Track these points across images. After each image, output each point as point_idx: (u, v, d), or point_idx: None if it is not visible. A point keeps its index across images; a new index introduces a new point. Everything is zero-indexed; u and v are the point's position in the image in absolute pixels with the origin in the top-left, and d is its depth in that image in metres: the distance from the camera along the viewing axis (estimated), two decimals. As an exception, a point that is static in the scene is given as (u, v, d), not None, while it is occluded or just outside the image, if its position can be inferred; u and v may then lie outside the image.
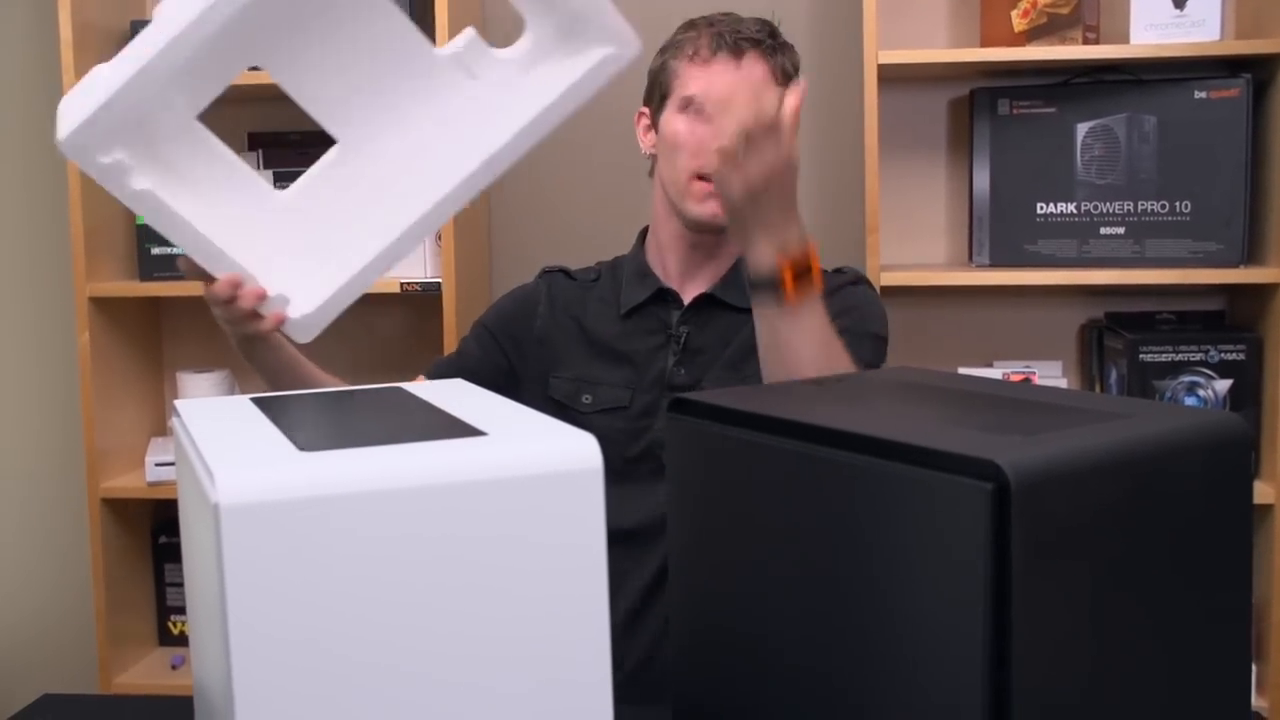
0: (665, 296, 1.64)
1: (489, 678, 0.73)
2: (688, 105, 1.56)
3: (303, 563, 0.69)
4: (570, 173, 2.53)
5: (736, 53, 1.55)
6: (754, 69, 1.55)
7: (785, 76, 1.57)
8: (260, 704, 0.69)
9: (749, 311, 1.52)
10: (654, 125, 1.63)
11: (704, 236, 1.61)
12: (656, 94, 1.63)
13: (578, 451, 0.75)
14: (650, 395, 1.59)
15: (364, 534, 0.70)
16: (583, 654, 0.75)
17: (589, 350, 1.65)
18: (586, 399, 1.63)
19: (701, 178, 1.54)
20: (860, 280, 1.69)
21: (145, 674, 2.44)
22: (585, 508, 0.75)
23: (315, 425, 0.81)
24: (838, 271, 1.69)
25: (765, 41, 1.56)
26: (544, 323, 1.68)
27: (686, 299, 1.63)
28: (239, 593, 0.68)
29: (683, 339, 1.61)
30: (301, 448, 0.74)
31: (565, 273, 1.73)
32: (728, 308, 1.61)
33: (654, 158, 1.65)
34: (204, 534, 0.73)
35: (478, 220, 2.46)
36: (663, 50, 1.63)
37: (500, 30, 2.52)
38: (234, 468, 0.69)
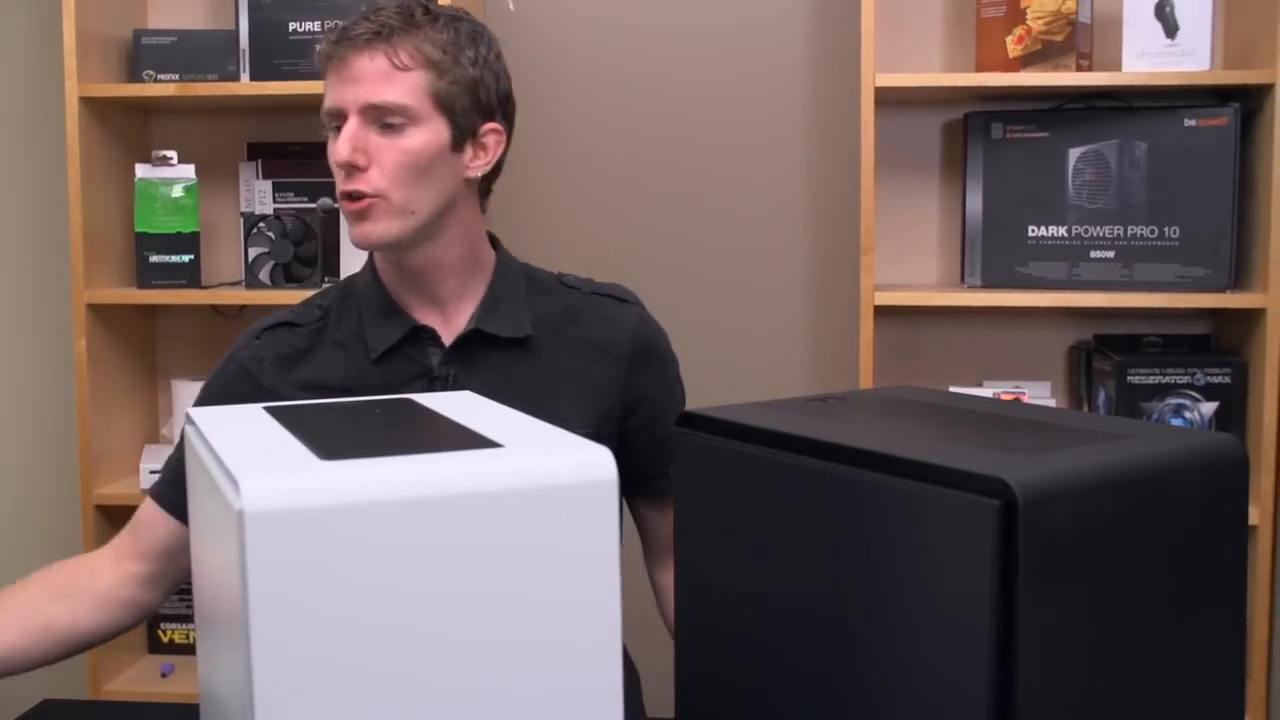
0: (420, 334, 1.46)
1: (503, 683, 0.75)
2: (329, 124, 1.42)
3: (324, 570, 0.70)
4: (564, 183, 2.55)
5: (342, 55, 1.38)
6: (363, 65, 1.37)
7: (418, 59, 1.38)
8: (280, 710, 0.70)
9: (516, 341, 1.45)
10: None
11: (395, 256, 1.44)
12: None
13: (592, 464, 0.77)
14: None
15: (384, 542, 0.72)
16: (594, 661, 0.77)
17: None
18: None
19: (342, 195, 1.40)
20: (651, 321, 1.55)
21: (135, 681, 2.44)
22: (599, 518, 0.76)
23: (334, 435, 0.83)
24: (615, 299, 1.53)
25: (388, 27, 1.38)
26: (269, 396, 1.46)
27: (446, 335, 1.46)
28: (261, 600, 0.69)
29: (449, 381, 1.45)
30: (323, 457, 0.75)
31: (286, 324, 1.50)
32: (491, 340, 1.45)
33: None
34: (224, 541, 0.74)
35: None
36: None
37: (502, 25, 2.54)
38: (258, 476, 0.71)
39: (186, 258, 2.38)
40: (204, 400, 1.50)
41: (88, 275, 2.34)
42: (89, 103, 2.33)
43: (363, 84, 1.37)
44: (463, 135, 1.42)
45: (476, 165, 1.44)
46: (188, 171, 2.38)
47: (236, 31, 2.37)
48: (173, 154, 2.38)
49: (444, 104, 1.39)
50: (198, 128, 2.57)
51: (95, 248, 2.37)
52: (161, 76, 2.39)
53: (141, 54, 2.39)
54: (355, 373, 1.45)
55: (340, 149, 1.37)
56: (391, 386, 1.44)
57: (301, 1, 2.32)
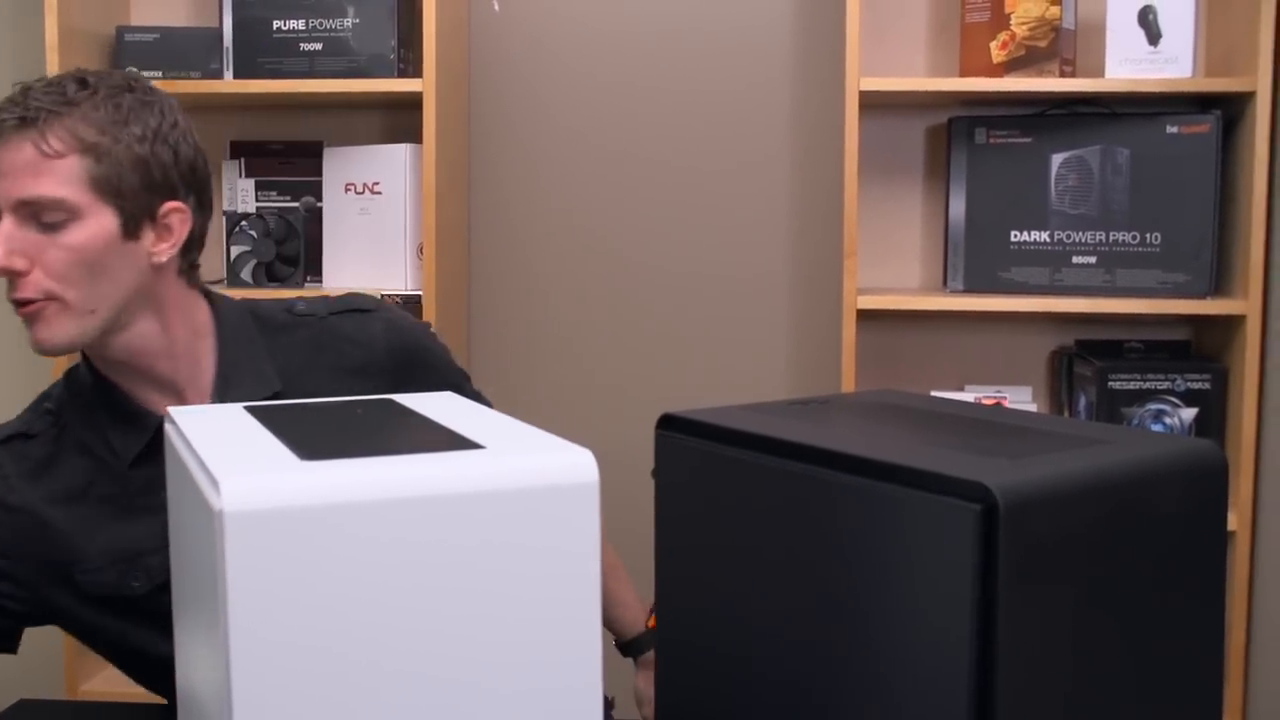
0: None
1: (483, 684, 0.75)
2: None
3: (304, 571, 0.70)
4: (549, 186, 2.55)
5: None
6: (9, 157, 1.22)
7: (73, 143, 1.22)
8: (258, 710, 0.70)
9: (270, 400, 1.30)
10: None
11: (96, 353, 1.30)
12: None
13: (574, 465, 0.77)
14: None
15: (364, 542, 0.71)
16: (575, 662, 0.77)
17: (107, 521, 1.30)
18: (137, 581, 1.29)
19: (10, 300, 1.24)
20: (401, 321, 1.43)
21: (111, 682, 2.43)
22: (580, 520, 0.76)
23: (314, 435, 0.83)
24: (355, 311, 1.41)
25: (36, 109, 1.21)
26: (22, 514, 1.30)
27: None
28: (240, 599, 0.69)
29: None
30: (303, 457, 0.75)
31: (20, 435, 1.34)
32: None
33: None
34: (202, 541, 0.74)
35: (458, 232, 2.47)
36: None
37: (487, 26, 2.54)
38: (238, 476, 0.70)
39: (168, 256, 2.37)
40: None
41: (68, 273, 2.32)
42: (71, 99, 2.31)
43: (12, 178, 1.21)
44: (136, 221, 1.26)
45: (162, 249, 1.28)
46: (170, 169, 2.37)
47: (220, 29, 2.36)
48: (155, 151, 2.37)
49: (107, 191, 1.23)
50: (180, 125, 2.55)
51: (76, 245, 2.35)
52: (144, 73, 2.38)
53: (124, 51, 2.38)
54: (111, 477, 1.31)
55: None
56: (152, 485, 1.31)
57: (286, 0, 2.32)
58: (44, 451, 1.33)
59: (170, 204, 1.28)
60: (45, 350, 1.25)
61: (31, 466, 1.33)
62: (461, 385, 1.47)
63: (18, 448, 1.33)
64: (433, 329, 1.42)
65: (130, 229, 1.25)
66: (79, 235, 1.22)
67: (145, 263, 1.28)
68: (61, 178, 1.21)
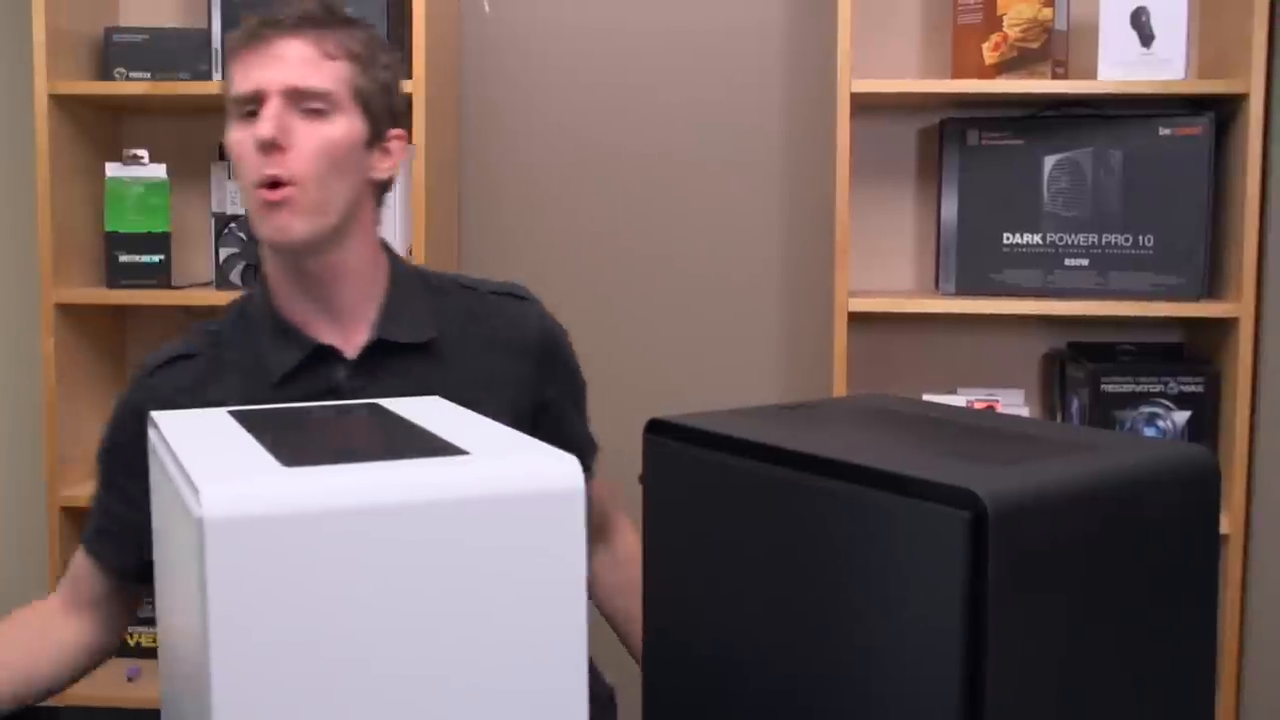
0: (322, 352, 1.41)
1: (468, 692, 0.74)
2: (238, 110, 1.37)
3: (286, 578, 0.69)
4: (539, 186, 2.54)
5: (267, 35, 1.36)
6: (291, 48, 1.35)
7: (345, 51, 1.38)
8: (239, 716, 0.69)
9: (421, 347, 1.42)
10: None
11: (299, 261, 1.39)
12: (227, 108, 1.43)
13: (559, 471, 0.76)
14: None
15: (347, 550, 0.70)
16: (560, 669, 0.76)
17: None
18: None
19: (257, 184, 1.34)
20: (550, 316, 1.55)
21: (100, 685, 2.42)
22: (565, 526, 0.75)
23: (298, 441, 0.82)
24: (514, 296, 1.52)
25: (312, 16, 1.38)
26: None
27: (348, 349, 1.41)
28: (221, 607, 0.68)
29: (357, 396, 1.41)
30: (285, 463, 0.74)
31: (181, 357, 1.44)
32: (396, 348, 1.42)
33: None
34: (184, 547, 0.73)
35: (449, 233, 2.46)
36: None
37: (478, 27, 2.53)
38: (219, 482, 0.69)
39: (157, 258, 2.36)
40: (110, 450, 1.43)
41: (57, 274, 2.31)
42: (59, 100, 2.30)
43: (289, 66, 1.34)
44: (375, 134, 1.41)
45: (383, 168, 1.43)
46: (159, 171, 2.36)
47: (209, 30, 2.35)
48: (144, 153, 2.37)
49: (363, 99, 1.38)
50: (169, 127, 2.55)
51: (64, 247, 2.34)
52: (133, 75, 2.37)
53: (113, 52, 2.37)
54: (258, 397, 1.40)
55: (263, 127, 1.32)
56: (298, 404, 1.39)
57: (275, 1, 2.31)
58: (201, 370, 1.42)
59: (395, 130, 1.45)
60: (279, 242, 1.35)
61: (188, 385, 1.41)
62: (582, 389, 1.59)
63: (179, 366, 1.43)
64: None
65: (370, 139, 1.40)
66: (335, 129, 1.36)
67: (367, 175, 1.41)
68: (332, 76, 1.36)
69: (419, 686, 0.73)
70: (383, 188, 1.46)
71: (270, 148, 1.33)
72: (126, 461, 1.41)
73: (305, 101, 1.35)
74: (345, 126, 1.36)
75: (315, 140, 1.34)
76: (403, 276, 1.46)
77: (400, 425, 0.88)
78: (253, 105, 1.35)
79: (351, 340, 1.42)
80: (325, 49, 1.36)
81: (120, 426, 1.42)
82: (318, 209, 1.35)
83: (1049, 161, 2.27)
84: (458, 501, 0.73)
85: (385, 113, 1.42)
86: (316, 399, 1.39)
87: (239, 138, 1.36)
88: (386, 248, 1.48)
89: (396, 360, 1.42)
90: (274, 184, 1.33)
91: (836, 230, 2.21)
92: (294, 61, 1.35)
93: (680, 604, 0.88)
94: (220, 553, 0.68)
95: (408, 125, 1.48)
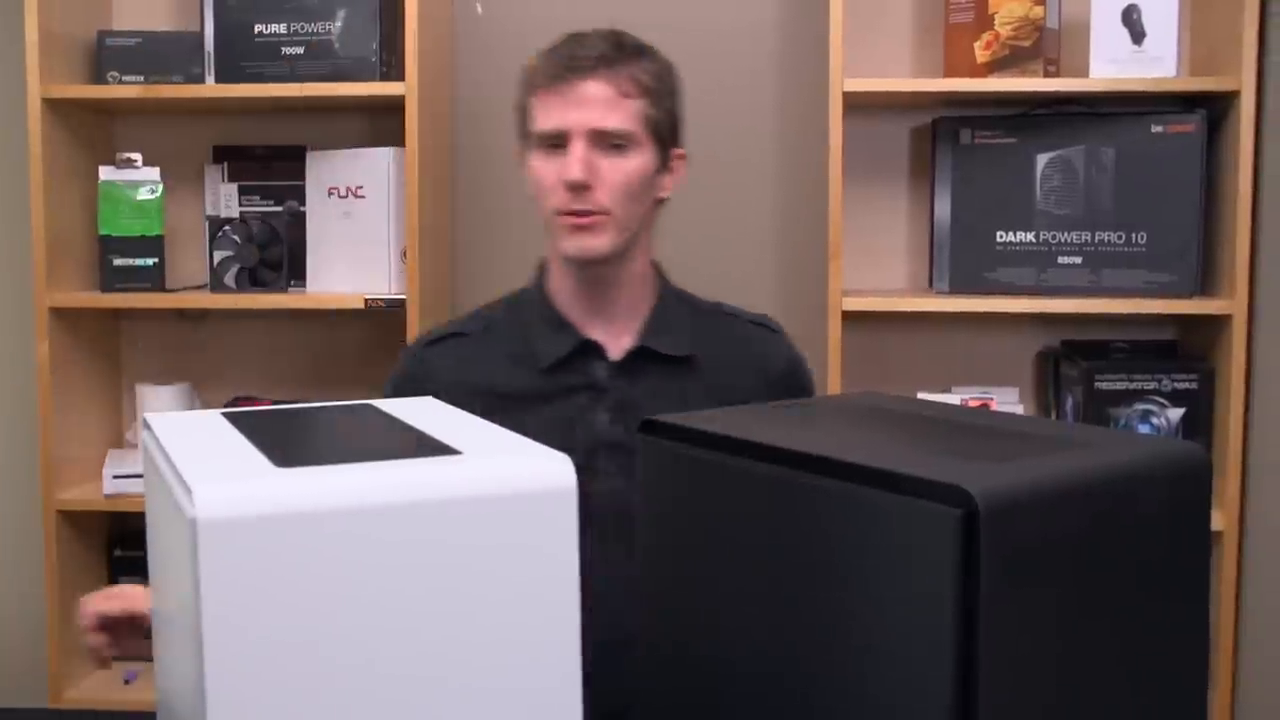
0: (588, 348, 1.54)
1: (463, 691, 0.74)
2: (542, 141, 1.50)
3: (279, 579, 0.69)
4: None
5: (571, 77, 1.48)
6: (591, 90, 1.47)
7: (638, 86, 1.49)
8: (233, 717, 0.69)
9: (681, 360, 1.54)
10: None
11: (590, 270, 1.53)
12: (521, 130, 1.56)
13: (551, 471, 0.76)
14: (583, 454, 1.48)
15: (340, 550, 0.71)
16: (553, 670, 0.76)
17: (509, 413, 1.45)
18: None
19: (563, 212, 1.48)
20: (795, 347, 1.67)
21: (96, 689, 2.41)
22: (559, 526, 0.76)
23: (291, 442, 0.82)
24: (766, 327, 1.65)
25: (607, 56, 1.48)
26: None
27: (612, 351, 1.54)
28: (214, 608, 0.68)
29: (616, 394, 1.52)
30: (279, 464, 0.74)
31: (454, 335, 1.59)
32: (657, 357, 1.54)
33: None
34: (178, 549, 0.73)
35: (441, 236, 2.46)
36: (520, 81, 1.57)
37: (470, 29, 2.53)
38: (212, 483, 0.69)
39: (151, 261, 2.36)
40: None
41: (50, 278, 2.31)
42: (52, 104, 2.30)
43: (590, 109, 1.47)
44: (663, 160, 1.54)
45: (667, 187, 1.56)
46: (152, 174, 2.36)
47: (202, 33, 2.35)
48: (137, 156, 2.36)
49: (655, 129, 1.51)
50: (162, 130, 2.54)
51: (58, 250, 2.34)
52: (126, 78, 2.37)
53: (106, 55, 2.37)
54: (525, 383, 1.53)
55: (574, 169, 1.46)
56: (558, 397, 1.52)
57: (268, 4, 2.31)
58: (469, 350, 1.56)
59: (678, 150, 1.57)
60: (585, 256, 1.49)
61: (456, 363, 1.56)
62: None
63: (449, 344, 1.58)
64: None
65: (660, 165, 1.53)
66: (634, 162, 1.49)
67: (655, 195, 1.55)
68: (629, 114, 1.48)
69: (414, 686, 0.73)
70: (660, 203, 1.58)
71: (580, 187, 1.46)
72: None
73: (607, 139, 1.47)
74: (641, 159, 1.49)
75: (618, 175, 1.48)
76: (669, 293, 1.60)
77: (393, 426, 0.88)
78: (556, 141, 1.49)
79: (618, 343, 1.55)
80: (623, 88, 1.48)
81: (399, 394, 1.53)
82: (617, 230, 1.49)
83: (1041, 160, 2.27)
84: (451, 501, 0.73)
85: (670, 137, 1.54)
86: (579, 391, 1.52)
87: (543, 169, 1.50)
88: (656, 265, 1.61)
89: (656, 368, 1.54)
90: (583, 213, 1.47)
91: (830, 229, 2.21)
92: (596, 103, 1.47)
93: (675, 602, 0.88)
94: (214, 553, 0.68)
95: (684, 143, 1.59)
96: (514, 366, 1.54)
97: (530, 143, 1.53)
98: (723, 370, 1.56)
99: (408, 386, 1.55)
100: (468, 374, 1.54)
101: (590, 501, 1.49)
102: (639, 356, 1.53)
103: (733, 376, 1.56)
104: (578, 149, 1.47)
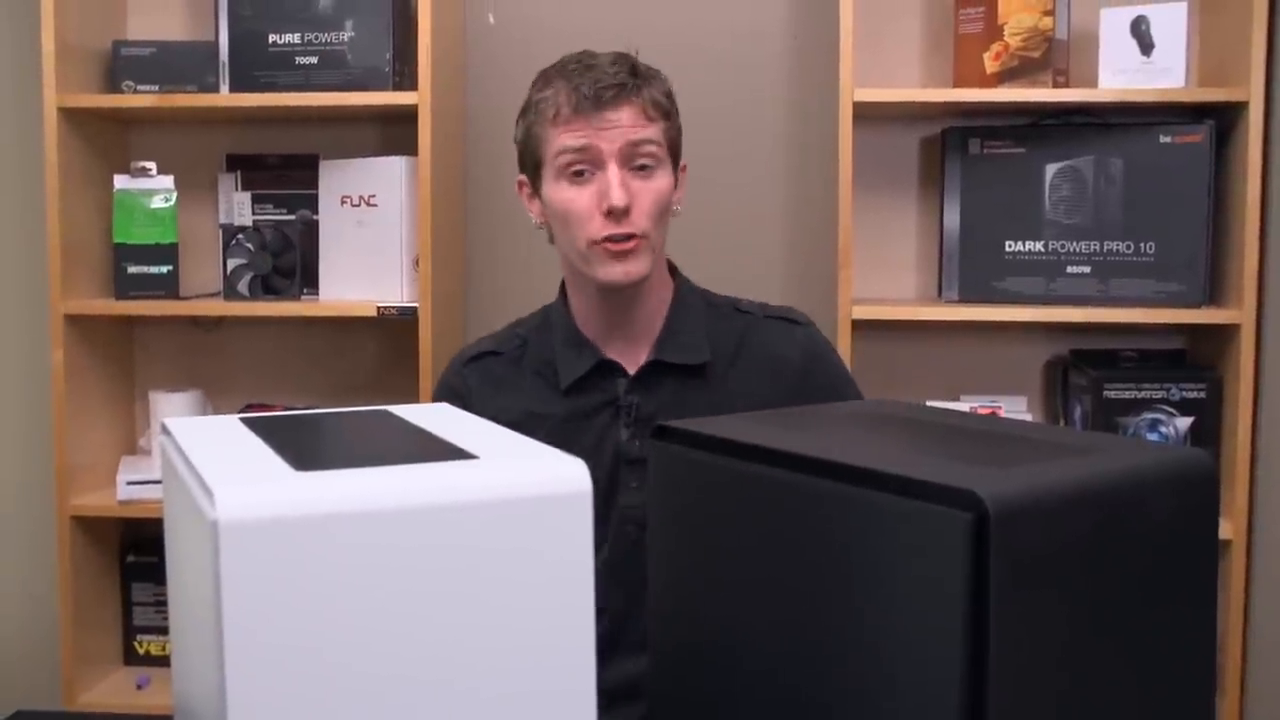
0: (607, 366, 1.55)
1: (478, 693, 0.75)
2: (565, 171, 1.50)
3: (299, 581, 0.70)
4: (547, 201, 2.55)
5: (598, 104, 1.48)
6: (620, 116, 1.48)
7: (658, 109, 1.52)
8: (253, 718, 0.70)
9: (696, 369, 1.54)
10: (537, 194, 1.56)
11: (619, 294, 1.54)
12: (529, 162, 1.55)
13: (567, 475, 0.77)
14: (605, 470, 1.52)
15: (358, 553, 0.71)
16: (569, 671, 0.77)
17: (538, 432, 1.47)
18: None
19: (602, 240, 1.48)
20: (820, 337, 1.65)
21: (110, 693, 2.43)
22: (574, 530, 0.76)
23: (309, 446, 0.83)
24: (786, 320, 1.63)
25: (627, 82, 1.49)
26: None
27: (629, 366, 1.55)
28: (235, 610, 0.69)
29: (633, 409, 1.53)
30: (298, 467, 0.75)
31: (491, 354, 1.61)
32: (671, 368, 1.55)
33: (548, 226, 1.57)
34: (198, 551, 0.74)
35: (453, 244, 2.48)
36: (523, 114, 1.56)
37: (482, 39, 2.54)
38: (232, 485, 0.70)
39: (165, 269, 2.38)
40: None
41: (65, 286, 2.33)
42: (68, 113, 2.32)
43: (621, 133, 1.48)
44: (676, 176, 1.56)
45: (678, 200, 1.57)
46: (167, 182, 2.38)
47: (216, 43, 2.36)
48: (152, 165, 2.38)
49: (671, 148, 1.54)
50: (177, 139, 2.56)
51: (73, 258, 2.36)
52: (141, 87, 2.38)
53: (121, 65, 2.39)
54: (548, 400, 1.55)
55: (617, 194, 1.46)
56: (579, 415, 1.54)
57: (281, 13, 2.33)
58: (504, 370, 1.59)
59: (683, 163, 1.59)
60: (629, 281, 1.50)
61: (492, 381, 1.59)
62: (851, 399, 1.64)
63: (486, 363, 1.60)
64: (837, 353, 1.69)
65: (675, 181, 1.56)
66: (661, 182, 1.51)
67: (673, 208, 1.56)
68: (655, 136, 1.51)
69: (430, 688, 0.74)
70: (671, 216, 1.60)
71: (623, 212, 1.47)
72: None
73: (636, 160, 1.49)
74: (665, 177, 1.52)
75: (651, 196, 1.50)
76: (685, 294, 1.61)
77: (410, 430, 0.89)
78: (581, 167, 1.49)
79: (633, 358, 1.56)
80: (648, 112, 1.50)
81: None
82: (652, 252, 1.52)
83: (1050, 170, 2.28)
84: (467, 505, 0.74)
85: (678, 153, 1.57)
86: (600, 409, 1.54)
87: (572, 196, 1.49)
88: (671, 266, 1.62)
89: (671, 379, 1.55)
90: (625, 238, 1.48)
91: (839, 238, 2.22)
92: (625, 129, 1.48)
93: (685, 606, 0.89)
94: (235, 555, 0.69)
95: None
96: (540, 384, 1.57)
97: (547, 174, 1.52)
98: (737, 373, 1.57)
99: (450, 402, 1.53)
100: (494, 395, 1.57)
101: (613, 516, 1.51)
102: (654, 369, 1.55)
103: (747, 378, 1.56)
104: (614, 174, 1.47)
